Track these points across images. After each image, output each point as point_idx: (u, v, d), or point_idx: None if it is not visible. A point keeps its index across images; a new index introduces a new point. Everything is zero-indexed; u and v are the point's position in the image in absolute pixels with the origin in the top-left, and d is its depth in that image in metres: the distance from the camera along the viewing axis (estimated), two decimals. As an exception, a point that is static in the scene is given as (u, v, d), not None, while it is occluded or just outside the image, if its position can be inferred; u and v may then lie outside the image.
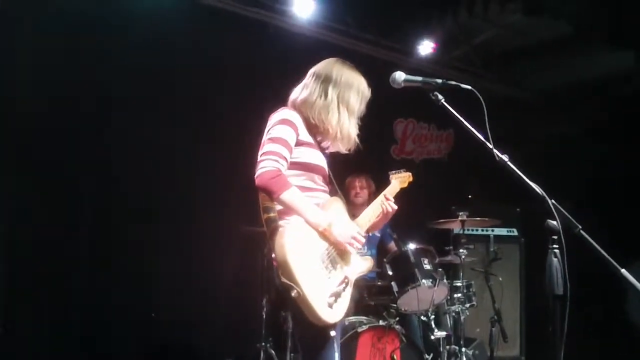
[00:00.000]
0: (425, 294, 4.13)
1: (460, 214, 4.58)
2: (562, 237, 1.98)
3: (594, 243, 1.98)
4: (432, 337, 4.26)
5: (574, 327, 1.98)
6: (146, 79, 4.79)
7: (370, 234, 5.19)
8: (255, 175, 2.46)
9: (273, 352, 4.36)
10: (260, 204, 2.61)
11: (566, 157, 6.58)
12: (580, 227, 2.00)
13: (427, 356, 4.24)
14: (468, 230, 4.75)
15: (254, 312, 4.61)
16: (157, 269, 4.88)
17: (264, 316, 4.39)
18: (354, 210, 5.28)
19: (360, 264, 2.75)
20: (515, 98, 7.08)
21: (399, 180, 3.18)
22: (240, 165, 3.38)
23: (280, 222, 2.54)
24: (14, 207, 4.32)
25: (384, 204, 2.93)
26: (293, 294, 2.30)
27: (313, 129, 2.71)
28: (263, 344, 4.34)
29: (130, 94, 4.78)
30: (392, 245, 5.13)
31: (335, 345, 2.50)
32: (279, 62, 5.55)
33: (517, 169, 2.13)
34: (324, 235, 2.53)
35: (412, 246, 4.32)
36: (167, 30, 4.80)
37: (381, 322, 4.17)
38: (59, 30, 4.39)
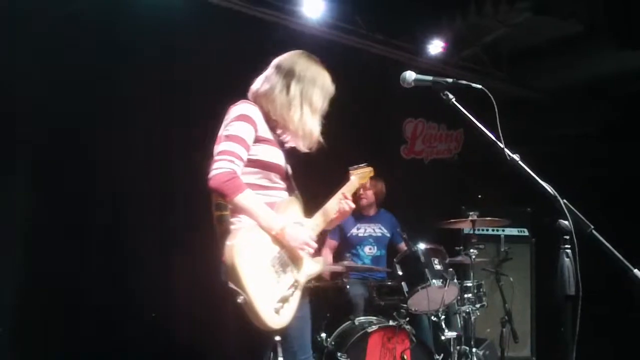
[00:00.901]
0: (435, 294, 4.12)
1: (471, 213, 4.57)
2: (574, 237, 1.97)
3: (606, 243, 1.97)
4: (443, 338, 4.25)
5: (585, 328, 1.98)
6: (153, 78, 4.80)
7: (380, 234, 5.22)
8: (209, 176, 2.37)
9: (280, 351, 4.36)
10: (213, 201, 2.54)
11: (576, 157, 6.55)
12: (592, 227, 1.99)
13: (437, 356, 4.23)
14: (478, 230, 4.73)
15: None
16: (165, 270, 4.88)
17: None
18: (362, 210, 5.31)
19: (311, 266, 2.64)
20: (524, 97, 7.05)
21: (358, 176, 2.99)
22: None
23: (232, 220, 2.48)
24: (15, 208, 4.32)
25: (342, 202, 2.77)
26: (239, 300, 2.24)
27: (273, 123, 2.62)
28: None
29: (136, 93, 4.78)
30: (402, 245, 5.12)
31: (280, 350, 2.45)
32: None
33: (528, 168, 2.12)
34: (276, 238, 2.46)
35: (422, 246, 4.31)
36: (175, 30, 4.81)
37: (391, 322, 4.16)
38: (61, 30, 4.39)
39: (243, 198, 2.38)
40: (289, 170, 2.74)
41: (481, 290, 4.62)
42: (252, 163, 2.52)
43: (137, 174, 4.81)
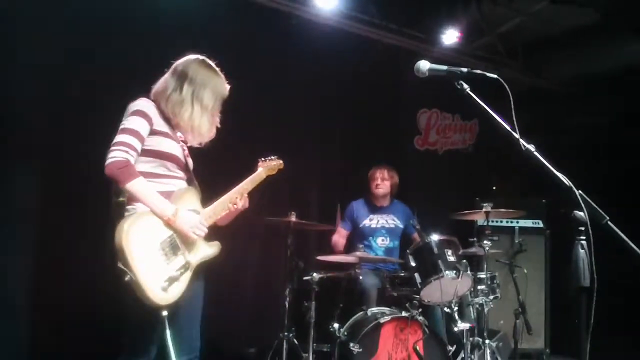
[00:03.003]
0: (448, 286, 4.11)
1: (485, 205, 4.53)
2: (590, 229, 1.95)
3: (622, 234, 1.95)
4: (456, 329, 4.23)
5: (600, 320, 1.96)
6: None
7: (393, 226, 5.21)
8: (105, 164, 2.56)
9: (296, 342, 4.39)
10: (113, 188, 2.70)
11: (591, 147, 6.48)
12: (607, 218, 1.97)
13: (450, 348, 4.22)
14: (492, 221, 4.69)
15: (277, 302, 4.62)
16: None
17: (287, 306, 4.40)
18: (375, 201, 5.30)
19: (205, 250, 2.85)
20: (540, 87, 6.99)
21: (266, 167, 3.28)
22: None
23: (128, 207, 2.65)
24: (20, 208, 4.33)
25: (238, 198, 3.01)
26: (126, 279, 2.43)
27: (167, 120, 2.83)
28: (286, 333, 4.36)
29: (145, 90, 4.76)
30: (416, 236, 5.11)
31: (166, 323, 2.58)
32: (301, 53, 5.53)
33: (543, 159, 2.10)
34: (168, 223, 2.64)
35: (435, 237, 4.30)
36: (188, 22, 4.79)
37: (404, 313, 4.16)
38: (82, 29, 4.39)
39: (136, 184, 2.57)
40: (190, 164, 2.98)
41: (495, 281, 4.60)
42: (147, 153, 2.71)
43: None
